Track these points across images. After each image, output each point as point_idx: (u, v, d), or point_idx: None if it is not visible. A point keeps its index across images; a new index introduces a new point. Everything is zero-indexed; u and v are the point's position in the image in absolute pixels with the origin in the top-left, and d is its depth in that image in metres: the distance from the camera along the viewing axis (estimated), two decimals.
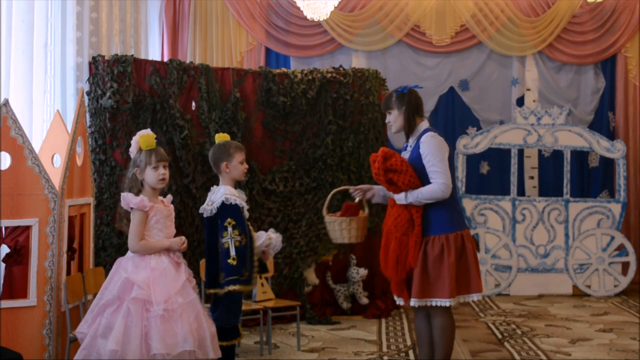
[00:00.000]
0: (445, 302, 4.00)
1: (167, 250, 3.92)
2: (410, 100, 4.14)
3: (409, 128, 4.15)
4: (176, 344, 3.66)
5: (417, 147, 4.10)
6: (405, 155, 4.20)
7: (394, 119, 4.18)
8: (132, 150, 4.04)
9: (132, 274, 3.77)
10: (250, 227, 4.35)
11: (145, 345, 3.64)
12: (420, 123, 4.17)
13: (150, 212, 3.90)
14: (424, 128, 4.14)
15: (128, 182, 3.99)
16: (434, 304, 4.03)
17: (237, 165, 4.34)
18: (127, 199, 3.89)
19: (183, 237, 4.00)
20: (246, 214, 4.36)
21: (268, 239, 4.41)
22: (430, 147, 4.03)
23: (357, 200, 4.31)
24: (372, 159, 4.13)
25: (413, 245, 4.02)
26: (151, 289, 3.73)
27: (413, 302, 4.05)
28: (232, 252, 4.12)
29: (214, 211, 4.24)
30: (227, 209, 4.23)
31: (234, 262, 4.11)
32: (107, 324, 3.70)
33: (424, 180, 4.07)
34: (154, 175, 3.95)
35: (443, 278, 3.99)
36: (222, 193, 4.28)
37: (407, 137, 4.20)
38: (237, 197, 4.28)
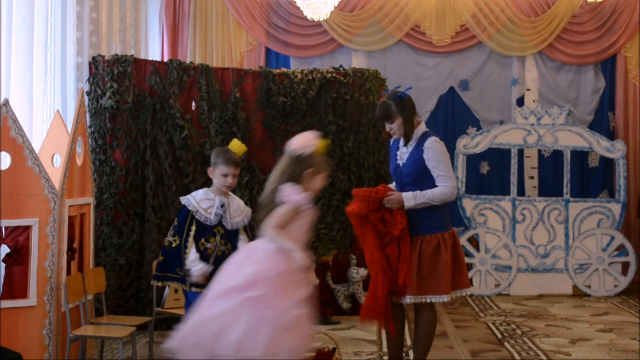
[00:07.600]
0: (443, 298, 4.11)
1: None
2: (411, 106, 4.20)
3: (412, 132, 4.22)
4: (277, 353, 3.31)
5: (419, 150, 4.16)
6: (405, 154, 4.23)
7: (398, 127, 4.20)
8: (299, 149, 3.67)
9: (260, 271, 3.45)
10: (191, 238, 4.27)
11: (246, 344, 3.31)
12: (418, 125, 4.24)
13: (301, 213, 3.62)
14: (423, 131, 4.22)
15: (295, 175, 3.62)
16: (430, 300, 4.11)
17: (218, 176, 4.37)
18: (292, 192, 3.58)
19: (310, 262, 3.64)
20: (216, 220, 4.34)
21: (194, 263, 4.25)
22: (436, 153, 4.13)
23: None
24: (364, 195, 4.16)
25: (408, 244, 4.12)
26: (273, 290, 3.42)
27: (409, 300, 4.11)
28: (161, 250, 4.32)
29: None
30: (180, 209, 4.39)
31: (161, 258, 4.30)
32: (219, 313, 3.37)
33: (417, 182, 4.14)
34: (321, 183, 3.71)
35: (438, 275, 4.09)
36: (193, 193, 4.41)
37: (408, 140, 4.23)
38: (196, 202, 4.30)
